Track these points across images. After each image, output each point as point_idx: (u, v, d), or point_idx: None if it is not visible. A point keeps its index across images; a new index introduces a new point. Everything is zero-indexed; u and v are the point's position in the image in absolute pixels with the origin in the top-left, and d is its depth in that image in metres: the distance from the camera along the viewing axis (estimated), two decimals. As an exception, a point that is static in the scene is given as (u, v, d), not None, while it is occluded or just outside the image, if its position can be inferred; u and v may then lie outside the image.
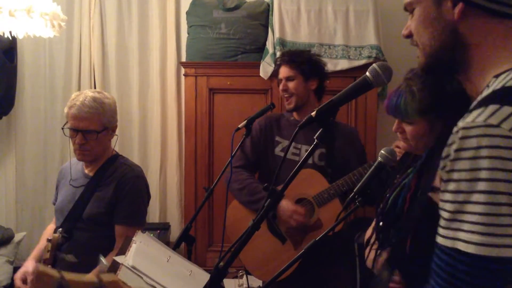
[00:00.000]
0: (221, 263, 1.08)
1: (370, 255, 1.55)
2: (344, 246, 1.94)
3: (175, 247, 1.89)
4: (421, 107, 1.28)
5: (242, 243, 1.09)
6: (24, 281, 1.91)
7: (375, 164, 1.46)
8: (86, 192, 2.03)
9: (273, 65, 3.02)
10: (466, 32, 0.86)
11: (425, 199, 1.04)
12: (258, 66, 3.06)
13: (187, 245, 1.97)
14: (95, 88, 3.39)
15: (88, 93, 2.02)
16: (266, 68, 3.05)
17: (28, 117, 3.47)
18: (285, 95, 2.31)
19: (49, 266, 1.71)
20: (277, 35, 3.06)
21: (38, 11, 2.25)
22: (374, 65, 1.06)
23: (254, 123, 2.19)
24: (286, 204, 2.21)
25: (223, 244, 2.11)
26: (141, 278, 1.26)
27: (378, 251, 1.44)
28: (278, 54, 3.01)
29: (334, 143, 2.27)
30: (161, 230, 3.14)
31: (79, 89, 3.38)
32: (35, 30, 2.37)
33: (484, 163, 0.72)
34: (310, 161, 2.28)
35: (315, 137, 1.05)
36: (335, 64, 3.05)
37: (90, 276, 0.88)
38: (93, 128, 1.98)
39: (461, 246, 0.73)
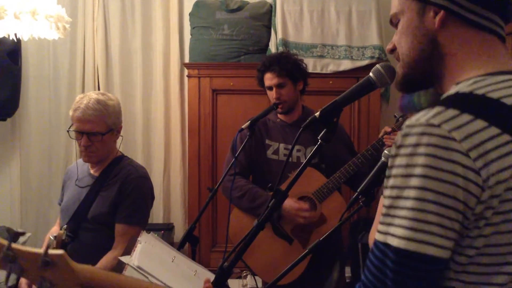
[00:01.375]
0: (226, 263, 1.09)
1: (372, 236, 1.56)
2: (349, 246, 1.95)
3: (179, 247, 1.91)
4: (434, 97, 1.30)
5: (247, 243, 1.10)
6: (30, 286, 1.92)
7: (378, 164, 1.47)
8: (91, 192, 2.04)
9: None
10: (445, 41, 0.86)
11: None
12: (261, 67, 3.07)
13: (191, 246, 1.98)
14: (99, 89, 3.41)
15: (92, 95, 2.03)
16: (269, 69, 3.05)
17: (32, 119, 3.49)
18: (277, 102, 2.31)
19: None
20: (280, 36, 3.06)
21: (43, 13, 2.26)
22: (377, 65, 1.07)
23: (242, 127, 2.20)
24: (289, 203, 2.21)
25: (227, 245, 2.12)
26: (147, 278, 1.27)
27: None
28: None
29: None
30: (165, 231, 3.15)
31: (83, 90, 3.40)
32: (39, 32, 2.38)
33: (419, 160, 0.73)
34: (302, 160, 2.29)
35: (319, 137, 1.06)
36: (338, 64, 3.06)
37: (37, 249, 0.89)
38: (98, 130, 1.99)
39: (389, 240, 0.74)
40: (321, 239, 1.38)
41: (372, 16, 3.08)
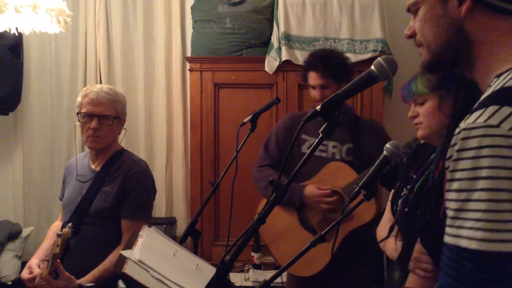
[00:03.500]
0: (227, 257, 1.09)
1: (391, 244, 1.55)
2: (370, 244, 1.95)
3: (181, 241, 1.90)
4: (431, 82, 1.34)
5: (247, 238, 1.09)
6: (30, 272, 1.92)
7: (380, 158, 1.46)
8: (92, 187, 2.04)
9: (278, 60, 3.02)
10: (471, 29, 0.86)
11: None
12: (263, 61, 3.06)
13: (193, 240, 1.98)
14: (100, 83, 3.41)
15: (102, 84, 2.06)
16: (271, 63, 3.04)
17: (34, 113, 3.49)
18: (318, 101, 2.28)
19: (58, 260, 1.73)
20: (282, 29, 3.05)
21: (44, 7, 2.26)
22: (379, 58, 1.06)
23: (279, 122, 2.19)
24: (310, 191, 2.21)
25: (229, 239, 2.12)
26: (148, 272, 1.27)
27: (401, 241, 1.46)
28: (283, 48, 3.00)
29: (359, 138, 2.28)
30: (167, 225, 3.16)
31: (85, 84, 3.39)
32: (41, 26, 2.38)
33: (485, 162, 0.73)
34: (338, 156, 2.29)
35: (320, 131, 1.05)
36: (341, 58, 3.04)
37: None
38: (109, 114, 2.03)
39: (464, 243, 0.75)
40: (323, 232, 1.37)
41: (375, 9, 3.06)
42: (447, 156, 0.80)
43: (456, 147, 0.77)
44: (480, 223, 0.73)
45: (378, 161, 1.48)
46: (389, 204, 1.70)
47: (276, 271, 1.27)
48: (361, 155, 2.26)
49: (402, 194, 1.50)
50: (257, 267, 2.96)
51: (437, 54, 0.91)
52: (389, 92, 3.21)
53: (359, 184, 1.45)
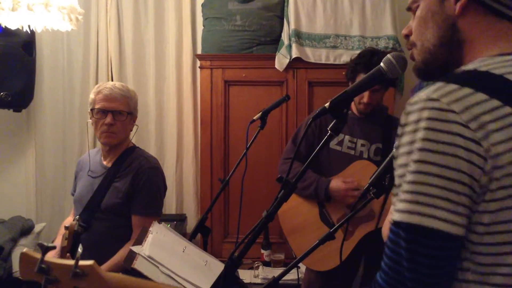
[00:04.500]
0: (235, 254, 1.09)
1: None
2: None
3: (191, 238, 1.92)
4: None
5: (256, 234, 1.10)
6: None
7: (389, 156, 1.45)
8: (104, 182, 2.06)
9: (289, 57, 3.01)
10: (464, 28, 0.86)
11: None
12: (273, 58, 3.06)
13: (203, 236, 2.00)
14: (112, 81, 3.43)
15: (114, 81, 2.08)
16: (281, 60, 3.04)
17: (47, 110, 3.52)
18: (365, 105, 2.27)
19: (67, 253, 1.75)
20: (292, 26, 3.04)
21: (56, 5, 2.28)
22: (388, 55, 1.05)
23: (309, 116, 2.16)
24: (336, 184, 2.20)
25: (239, 236, 2.13)
26: (157, 267, 1.28)
27: None
28: (293, 46, 3.00)
29: (391, 138, 2.26)
30: (177, 221, 3.17)
31: (96, 82, 3.42)
32: (53, 24, 2.40)
33: (420, 134, 0.73)
34: (365, 155, 2.28)
35: (328, 128, 1.05)
36: (352, 55, 3.00)
37: (69, 260, 0.93)
38: (123, 109, 2.06)
39: (395, 216, 0.74)
40: (331, 230, 1.37)
41: (386, 5, 3.04)
42: (397, 134, 0.79)
43: (401, 122, 0.77)
44: (406, 194, 0.72)
45: (388, 158, 1.48)
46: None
47: (285, 268, 1.27)
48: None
49: None
50: (266, 264, 2.97)
51: (429, 52, 0.90)
52: (400, 89, 3.19)
53: (369, 182, 1.45)
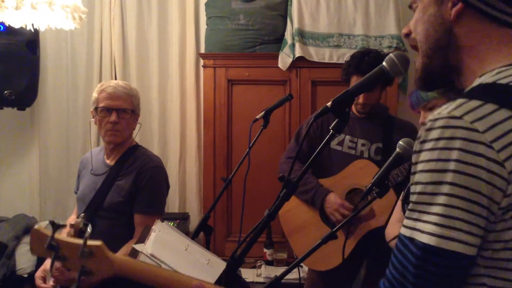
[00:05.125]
0: (237, 252, 1.09)
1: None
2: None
3: (193, 236, 1.92)
4: (442, 89, 1.34)
5: (258, 233, 1.10)
6: (44, 279, 1.95)
7: (393, 155, 1.46)
8: (106, 181, 2.07)
9: (292, 56, 3.01)
10: (461, 34, 0.84)
11: None
12: (276, 57, 3.06)
13: (205, 235, 2.00)
14: (115, 79, 3.44)
15: (117, 80, 2.09)
16: (284, 59, 3.04)
17: (50, 108, 3.54)
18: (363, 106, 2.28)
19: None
20: (296, 25, 3.04)
21: (59, 3, 2.28)
22: (390, 54, 1.05)
23: (311, 115, 2.16)
24: (334, 198, 2.22)
25: (241, 235, 2.13)
26: (160, 265, 1.28)
27: None
28: (297, 45, 2.99)
29: (391, 138, 2.27)
30: (180, 220, 3.18)
31: (100, 80, 3.43)
32: (56, 23, 2.40)
33: (450, 154, 0.70)
34: (366, 154, 2.28)
35: (330, 128, 1.05)
36: (354, 54, 3.02)
37: (78, 239, 0.95)
38: (127, 107, 2.07)
39: (417, 236, 0.72)
40: (334, 229, 1.37)
41: (390, 5, 3.03)
42: (414, 149, 0.77)
43: (421, 139, 0.75)
44: (434, 217, 0.71)
45: (391, 158, 1.48)
46: (399, 204, 1.69)
47: (288, 267, 1.27)
48: (391, 155, 2.25)
49: None
50: (269, 263, 2.97)
51: (427, 56, 0.88)
52: (404, 89, 3.18)
53: (371, 182, 1.45)
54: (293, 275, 1.73)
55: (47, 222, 3.30)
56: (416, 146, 0.76)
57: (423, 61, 0.89)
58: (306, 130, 1.20)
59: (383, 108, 2.42)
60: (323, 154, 2.32)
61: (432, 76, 0.90)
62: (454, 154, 0.70)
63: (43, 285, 1.96)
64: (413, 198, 0.75)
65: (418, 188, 0.74)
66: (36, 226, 0.99)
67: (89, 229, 0.97)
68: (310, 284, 2.40)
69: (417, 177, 0.74)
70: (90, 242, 0.93)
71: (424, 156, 0.73)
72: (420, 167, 0.74)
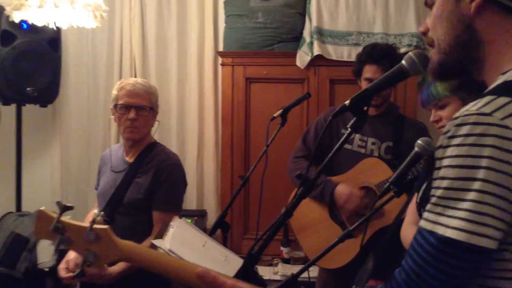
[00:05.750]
0: (254, 249, 1.10)
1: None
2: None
3: (211, 233, 1.93)
4: (451, 84, 1.35)
5: (275, 230, 1.10)
6: (67, 270, 1.99)
7: (411, 154, 1.45)
8: (126, 178, 2.10)
9: (310, 54, 3.01)
10: (481, 28, 0.83)
11: None
12: (294, 55, 3.05)
13: (222, 232, 2.01)
14: (135, 77, 3.47)
15: (136, 78, 2.11)
16: (302, 57, 3.03)
17: (72, 105, 3.59)
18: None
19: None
20: (314, 23, 3.03)
21: (81, 2, 2.32)
22: (410, 53, 1.04)
23: (320, 115, 2.17)
24: (342, 189, 2.20)
25: (258, 232, 2.14)
26: (177, 261, 1.30)
27: None
28: (315, 43, 2.99)
29: (401, 136, 2.25)
30: (198, 217, 3.20)
31: (120, 78, 3.47)
32: (78, 21, 2.45)
33: (470, 150, 0.71)
34: (376, 153, 2.27)
35: (348, 126, 1.05)
36: (374, 52, 3.00)
37: (84, 223, 0.94)
38: (146, 104, 2.09)
39: (439, 230, 0.73)
40: (352, 227, 1.37)
41: (410, 2, 3.00)
42: (438, 144, 0.77)
43: (448, 134, 0.75)
44: (463, 212, 0.71)
45: (409, 157, 1.47)
46: (411, 206, 1.68)
47: (304, 266, 1.27)
48: (401, 155, 2.23)
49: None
50: (286, 261, 2.98)
51: (446, 53, 0.87)
52: (424, 87, 3.15)
53: (389, 181, 1.44)
54: (304, 274, 1.74)
55: (68, 217, 3.35)
56: (443, 141, 0.76)
57: (440, 57, 0.89)
58: (325, 128, 1.20)
59: (394, 107, 2.40)
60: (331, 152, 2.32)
61: (448, 70, 0.90)
62: (487, 151, 0.70)
63: (67, 275, 2.00)
64: (437, 192, 0.75)
65: (444, 183, 0.74)
66: (42, 208, 0.97)
67: (101, 216, 0.96)
68: (321, 283, 2.39)
69: (443, 172, 0.75)
70: (96, 226, 0.92)
71: (451, 151, 0.74)
72: (446, 162, 0.74)
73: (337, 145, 1.08)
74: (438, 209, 0.74)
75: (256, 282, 1.05)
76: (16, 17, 2.53)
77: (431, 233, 0.74)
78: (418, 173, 1.71)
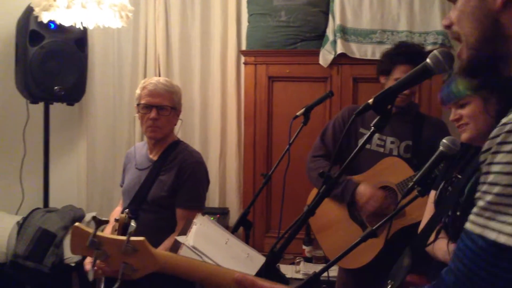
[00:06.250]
0: (276, 247, 1.11)
1: (443, 247, 1.52)
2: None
3: (233, 231, 1.94)
4: (472, 83, 1.31)
5: (297, 229, 1.11)
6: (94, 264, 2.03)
7: (436, 154, 1.43)
8: (150, 175, 2.13)
9: (333, 53, 2.99)
10: (508, 22, 0.81)
11: None
12: (317, 54, 3.04)
13: (244, 230, 2.02)
14: (159, 76, 3.51)
15: (159, 77, 2.14)
16: (325, 56, 3.02)
17: (98, 104, 3.66)
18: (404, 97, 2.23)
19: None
20: (337, 22, 3.01)
21: (108, 2, 2.37)
22: (434, 51, 1.03)
23: (338, 114, 2.14)
24: (364, 189, 2.18)
25: (280, 231, 2.14)
26: (201, 257, 1.31)
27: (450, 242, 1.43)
28: (338, 41, 2.97)
29: (421, 135, 2.22)
30: (220, 215, 3.22)
31: (144, 77, 3.51)
32: (104, 21, 2.49)
33: None
34: (395, 152, 2.24)
35: (371, 125, 1.04)
36: (398, 50, 2.97)
37: (120, 236, 0.93)
38: (167, 104, 2.11)
39: (490, 235, 0.73)
40: (374, 227, 1.36)
41: (435, 0, 2.95)
42: (484, 148, 0.77)
43: (498, 140, 0.74)
44: (509, 217, 0.71)
45: (434, 157, 1.45)
46: (430, 206, 1.66)
47: (326, 264, 1.27)
48: (420, 154, 2.20)
49: (448, 194, 1.46)
50: (308, 260, 2.97)
51: (474, 48, 0.86)
52: (449, 86, 3.10)
53: (413, 180, 1.43)
54: (331, 273, 1.73)
55: (93, 213, 3.42)
56: (491, 145, 0.75)
57: (470, 53, 0.88)
58: (347, 127, 1.20)
59: (413, 105, 2.36)
60: (351, 151, 2.28)
61: (477, 66, 0.89)
62: None
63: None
64: (487, 197, 0.75)
65: (495, 189, 0.74)
66: (76, 223, 0.96)
67: (133, 224, 0.96)
68: (341, 283, 2.38)
69: (493, 178, 0.74)
70: (133, 238, 0.91)
71: (502, 157, 0.73)
72: (497, 168, 0.74)
73: (360, 144, 1.08)
74: (488, 214, 0.74)
75: (278, 279, 1.05)
76: (45, 18, 2.59)
77: (481, 237, 0.74)
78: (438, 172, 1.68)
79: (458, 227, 1.36)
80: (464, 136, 1.49)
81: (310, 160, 2.41)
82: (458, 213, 1.35)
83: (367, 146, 2.28)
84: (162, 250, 1.00)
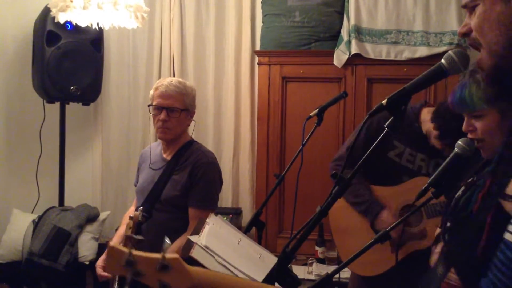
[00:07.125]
0: (289, 247, 1.11)
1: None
2: None
3: (246, 231, 1.95)
4: (488, 94, 1.20)
5: (309, 229, 1.11)
6: (104, 268, 2.05)
7: (451, 155, 1.41)
8: (163, 175, 2.14)
9: (348, 53, 2.98)
10: None
11: (494, 205, 0.93)
12: (332, 54, 3.03)
13: (257, 230, 2.02)
14: (174, 76, 3.54)
15: (173, 78, 2.15)
16: (340, 56, 3.01)
17: (113, 104, 3.69)
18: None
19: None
20: (352, 22, 3.00)
21: (123, 3, 2.39)
22: (449, 52, 1.02)
23: (372, 119, 2.11)
24: (386, 217, 2.13)
25: (293, 231, 2.14)
26: (213, 257, 1.32)
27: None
28: (353, 41, 2.96)
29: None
30: (233, 215, 3.23)
31: (159, 77, 3.54)
32: (120, 22, 2.52)
33: None
34: (424, 170, 2.18)
35: (385, 126, 1.03)
36: (414, 51, 2.94)
37: (155, 254, 0.93)
38: (177, 106, 2.11)
39: None
40: (388, 228, 1.35)
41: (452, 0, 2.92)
42: None
43: None
44: None
45: (449, 158, 1.43)
46: None
47: (339, 266, 1.27)
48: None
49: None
50: (320, 261, 2.96)
51: (499, 55, 0.84)
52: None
53: (428, 182, 1.41)
54: (343, 274, 1.72)
55: (108, 212, 3.45)
56: None
57: (496, 61, 0.85)
58: (360, 128, 1.18)
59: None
60: (379, 162, 2.23)
61: (504, 73, 0.86)
62: None
63: (103, 273, 2.07)
64: None
65: None
66: (111, 243, 0.97)
67: (167, 241, 0.96)
68: (353, 287, 2.36)
69: None
70: (167, 256, 0.91)
71: None
72: None
73: (373, 144, 1.07)
74: None
75: (290, 280, 1.05)
76: (61, 18, 2.62)
77: None
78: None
79: (448, 238, 1.29)
80: (484, 155, 1.36)
81: (332, 167, 2.30)
82: (448, 224, 1.29)
83: (397, 160, 2.21)
84: (196, 268, 0.99)
